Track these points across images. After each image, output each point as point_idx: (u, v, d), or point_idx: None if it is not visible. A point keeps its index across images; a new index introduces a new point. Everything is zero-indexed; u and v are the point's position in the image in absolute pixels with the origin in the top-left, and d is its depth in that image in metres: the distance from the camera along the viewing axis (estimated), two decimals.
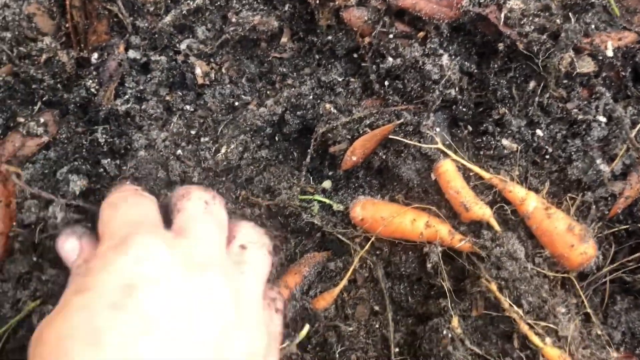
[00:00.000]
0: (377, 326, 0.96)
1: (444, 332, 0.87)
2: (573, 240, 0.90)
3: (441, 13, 0.98)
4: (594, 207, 0.95)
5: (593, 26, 1.03)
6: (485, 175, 0.96)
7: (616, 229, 0.96)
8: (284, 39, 1.10)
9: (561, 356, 0.82)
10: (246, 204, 1.02)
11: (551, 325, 0.84)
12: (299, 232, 1.03)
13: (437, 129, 0.98)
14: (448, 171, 0.95)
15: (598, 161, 0.94)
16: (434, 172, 0.97)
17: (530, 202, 0.93)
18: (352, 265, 0.97)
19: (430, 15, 0.98)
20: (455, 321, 0.89)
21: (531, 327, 0.84)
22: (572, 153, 0.96)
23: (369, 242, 0.96)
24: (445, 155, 0.96)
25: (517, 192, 0.94)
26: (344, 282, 0.97)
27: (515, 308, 0.85)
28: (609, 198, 0.95)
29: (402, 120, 0.96)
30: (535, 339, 0.83)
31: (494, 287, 0.87)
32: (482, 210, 0.93)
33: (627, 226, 0.96)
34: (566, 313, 0.87)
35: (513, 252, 0.89)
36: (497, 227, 0.93)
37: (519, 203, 0.94)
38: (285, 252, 1.01)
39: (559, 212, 0.92)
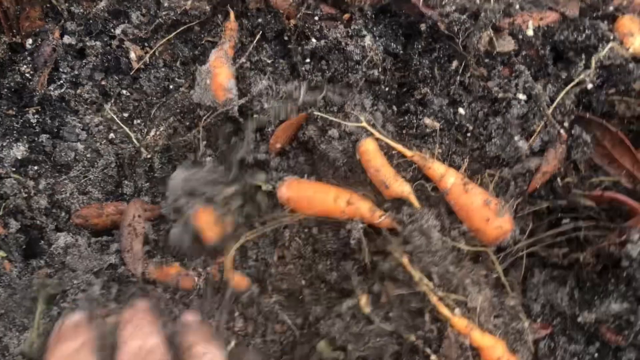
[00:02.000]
0: (300, 299, 0.98)
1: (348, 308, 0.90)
2: (489, 214, 0.92)
3: None
4: (512, 183, 0.97)
5: (517, 6, 1.04)
6: (407, 152, 0.98)
7: (537, 207, 0.98)
8: (217, 22, 1.12)
9: (468, 326, 0.84)
10: None
11: (461, 298, 0.87)
12: None
13: (362, 109, 1.00)
14: (369, 150, 0.97)
15: (516, 138, 0.96)
16: (356, 151, 0.99)
17: (449, 178, 0.95)
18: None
19: None
20: (364, 299, 0.91)
21: (442, 299, 0.87)
22: (493, 130, 0.98)
23: (291, 218, 0.98)
24: (368, 134, 0.98)
25: (436, 168, 0.96)
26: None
27: (426, 281, 0.87)
28: (527, 174, 0.97)
29: (310, 110, 0.98)
30: (444, 310, 0.85)
31: (405, 260, 0.89)
32: (401, 188, 0.95)
33: (547, 203, 0.98)
34: (476, 285, 0.89)
35: (427, 227, 0.91)
36: (416, 203, 0.95)
37: (438, 179, 0.96)
38: None
39: (476, 188, 0.94)
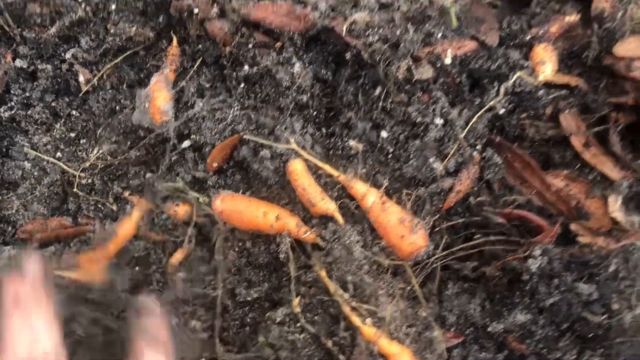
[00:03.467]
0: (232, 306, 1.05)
1: (282, 313, 0.97)
2: (404, 231, 0.99)
3: (291, 25, 1.07)
4: (428, 201, 1.04)
5: (439, 35, 1.12)
6: (333, 172, 1.05)
7: (451, 223, 1.05)
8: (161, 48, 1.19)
9: (376, 334, 0.91)
10: (126, 201, 1.11)
11: (372, 308, 0.94)
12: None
13: (292, 131, 1.07)
14: (297, 170, 1.04)
15: (431, 160, 1.03)
16: (286, 171, 1.06)
17: (370, 197, 1.02)
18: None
19: (281, 27, 1.07)
20: (296, 301, 0.98)
21: (355, 309, 0.94)
22: (411, 153, 1.05)
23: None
24: (297, 155, 1.05)
25: (358, 188, 1.03)
26: None
27: (340, 292, 0.94)
28: (442, 193, 1.04)
29: (242, 134, 1.05)
30: (355, 319, 0.92)
31: (323, 273, 0.96)
32: (326, 205, 1.02)
33: (462, 220, 1.06)
34: (390, 296, 0.96)
35: (349, 242, 0.98)
36: (340, 220, 1.02)
37: (360, 198, 1.03)
38: None
39: (393, 206, 1.01)
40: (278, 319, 0.97)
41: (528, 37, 1.15)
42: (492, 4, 1.22)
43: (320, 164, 1.05)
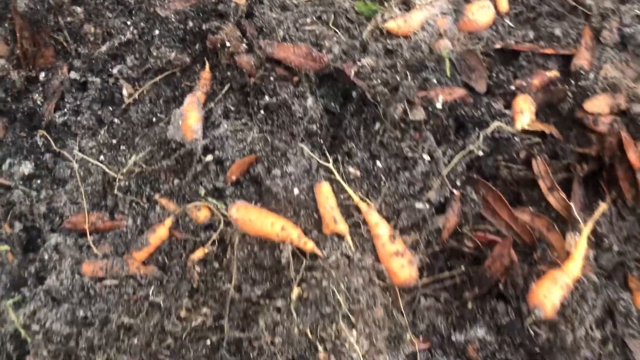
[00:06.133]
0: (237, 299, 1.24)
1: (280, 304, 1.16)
2: (403, 262, 1.16)
3: (308, 65, 1.25)
4: (424, 236, 1.21)
5: (435, 80, 1.29)
6: (355, 198, 1.21)
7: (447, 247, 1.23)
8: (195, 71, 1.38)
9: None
10: (158, 205, 1.30)
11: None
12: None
13: (301, 155, 1.25)
14: (324, 191, 1.21)
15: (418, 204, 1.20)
16: (314, 189, 1.23)
17: (381, 228, 1.19)
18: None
19: (299, 66, 1.25)
20: (296, 291, 1.16)
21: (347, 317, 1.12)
22: (401, 182, 1.23)
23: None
24: (310, 177, 1.23)
25: (372, 218, 1.20)
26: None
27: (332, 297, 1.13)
28: (435, 232, 1.21)
29: (257, 154, 1.23)
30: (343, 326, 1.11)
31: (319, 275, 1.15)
32: (341, 227, 1.19)
33: (454, 244, 1.22)
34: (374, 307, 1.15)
35: (343, 260, 1.16)
36: (350, 242, 1.19)
37: (373, 226, 1.20)
38: None
39: (398, 240, 1.18)
40: (278, 306, 1.16)
41: (512, 87, 1.32)
42: (486, 53, 1.39)
43: (347, 188, 1.21)
